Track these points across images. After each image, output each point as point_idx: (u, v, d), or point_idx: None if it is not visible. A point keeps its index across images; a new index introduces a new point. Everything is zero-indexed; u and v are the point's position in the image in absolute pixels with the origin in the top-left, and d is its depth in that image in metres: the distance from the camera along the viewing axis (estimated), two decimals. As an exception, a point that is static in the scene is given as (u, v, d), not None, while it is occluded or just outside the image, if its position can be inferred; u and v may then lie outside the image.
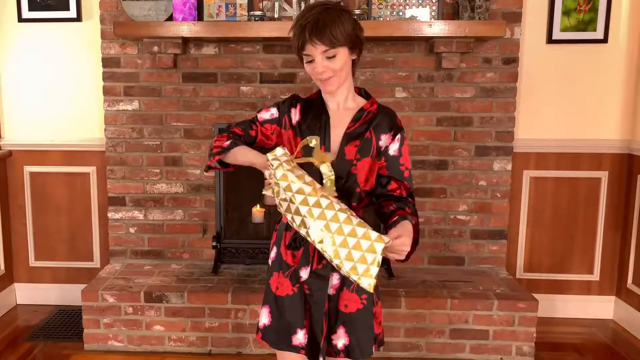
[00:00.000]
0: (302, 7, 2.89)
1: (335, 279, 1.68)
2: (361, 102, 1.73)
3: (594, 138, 3.17)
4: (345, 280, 1.68)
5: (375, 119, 1.69)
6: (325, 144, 1.66)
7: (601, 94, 3.14)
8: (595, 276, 3.29)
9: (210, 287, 2.87)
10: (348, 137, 1.67)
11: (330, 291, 1.68)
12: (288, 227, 1.73)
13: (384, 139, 1.67)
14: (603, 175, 3.21)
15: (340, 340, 1.70)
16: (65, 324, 3.13)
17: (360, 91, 1.76)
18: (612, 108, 3.15)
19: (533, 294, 2.87)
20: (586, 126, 3.17)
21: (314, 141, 1.51)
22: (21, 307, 3.38)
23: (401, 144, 1.69)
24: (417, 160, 3.10)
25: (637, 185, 3.10)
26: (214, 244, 3.12)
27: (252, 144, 1.73)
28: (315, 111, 1.71)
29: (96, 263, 3.38)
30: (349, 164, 1.65)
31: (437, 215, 3.15)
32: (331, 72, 1.60)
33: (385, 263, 3.11)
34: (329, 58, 1.59)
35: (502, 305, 2.74)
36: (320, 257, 1.65)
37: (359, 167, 1.66)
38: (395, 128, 1.69)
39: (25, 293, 3.41)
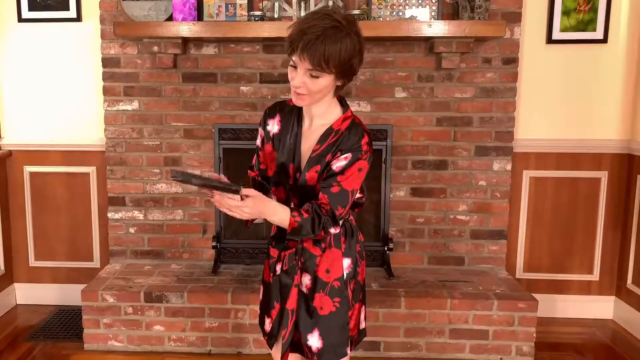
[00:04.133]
0: (303, 8, 2.89)
1: (307, 280, 1.70)
2: (336, 115, 1.63)
3: (594, 138, 3.17)
4: (317, 282, 1.69)
5: (340, 140, 1.58)
6: (294, 161, 1.65)
7: (601, 94, 3.14)
8: (595, 276, 3.29)
9: (210, 287, 2.87)
10: (311, 162, 1.61)
11: (304, 289, 1.71)
12: None
13: (338, 157, 1.58)
14: (603, 175, 3.21)
15: (315, 342, 1.71)
16: (65, 324, 3.13)
17: (341, 101, 1.67)
18: (612, 108, 3.15)
19: (533, 294, 2.87)
20: (586, 126, 3.17)
21: None
22: (21, 307, 3.38)
23: (349, 165, 1.56)
24: (417, 160, 3.10)
25: (637, 185, 3.10)
26: (214, 244, 3.12)
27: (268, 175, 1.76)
28: (290, 124, 1.67)
29: (96, 263, 3.38)
30: (310, 187, 1.63)
31: (437, 215, 3.15)
32: (306, 90, 1.53)
33: (385, 263, 3.11)
34: (311, 77, 1.51)
35: (502, 305, 2.74)
36: (289, 259, 1.69)
37: (317, 186, 1.62)
38: (353, 151, 1.56)
39: (25, 293, 3.41)
